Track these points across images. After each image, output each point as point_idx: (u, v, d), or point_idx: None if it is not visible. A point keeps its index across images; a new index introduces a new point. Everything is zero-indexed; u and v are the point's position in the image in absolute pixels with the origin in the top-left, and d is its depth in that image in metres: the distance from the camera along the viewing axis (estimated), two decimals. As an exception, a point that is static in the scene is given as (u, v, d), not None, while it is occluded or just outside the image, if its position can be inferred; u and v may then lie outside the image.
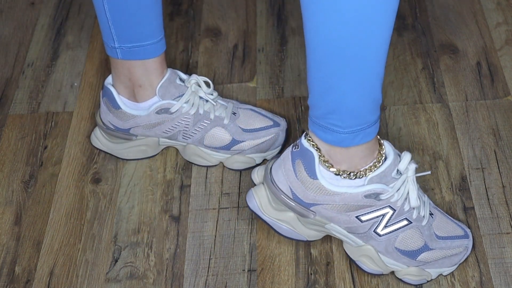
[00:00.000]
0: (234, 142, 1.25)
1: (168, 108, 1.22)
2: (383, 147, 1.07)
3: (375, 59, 0.96)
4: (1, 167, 1.32)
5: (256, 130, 1.26)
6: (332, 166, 1.05)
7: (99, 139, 1.30)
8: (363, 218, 1.07)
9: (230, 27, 1.54)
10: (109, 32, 1.18)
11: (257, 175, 1.17)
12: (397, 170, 1.05)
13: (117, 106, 1.23)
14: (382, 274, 1.13)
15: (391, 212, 1.07)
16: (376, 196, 1.05)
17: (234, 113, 1.27)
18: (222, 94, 1.41)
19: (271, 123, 1.27)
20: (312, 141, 1.05)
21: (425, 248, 1.10)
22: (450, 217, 1.15)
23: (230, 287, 1.15)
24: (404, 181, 1.07)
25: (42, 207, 1.26)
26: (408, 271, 1.11)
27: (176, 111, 1.22)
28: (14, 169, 1.32)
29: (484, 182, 1.25)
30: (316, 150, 1.05)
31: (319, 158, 1.05)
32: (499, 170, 1.26)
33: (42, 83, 1.45)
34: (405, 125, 1.34)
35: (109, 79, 1.25)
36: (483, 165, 1.27)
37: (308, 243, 1.18)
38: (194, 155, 1.28)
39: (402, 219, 1.08)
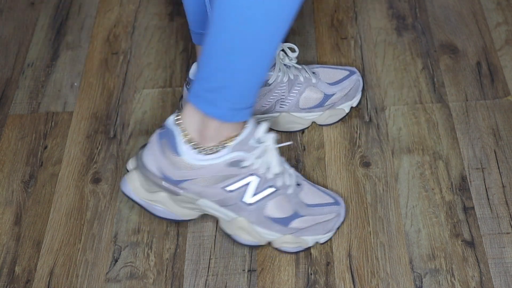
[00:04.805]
0: (326, 97, 1.30)
1: (266, 80, 1.26)
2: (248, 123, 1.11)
3: (275, 44, 1.00)
4: (1, 167, 1.32)
5: (339, 82, 1.32)
6: (196, 144, 1.08)
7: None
8: (229, 188, 1.11)
9: (230, 27, 1.54)
10: (205, 19, 1.18)
11: (131, 164, 1.18)
12: (256, 139, 1.10)
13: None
14: (259, 245, 1.17)
15: (256, 180, 1.11)
16: (238, 164, 1.09)
17: (313, 72, 1.32)
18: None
19: (347, 73, 1.34)
20: (179, 121, 1.08)
21: (296, 215, 1.15)
22: (320, 187, 1.21)
23: (230, 287, 1.15)
24: (265, 150, 1.11)
25: (42, 207, 1.26)
26: (283, 239, 1.16)
27: (273, 82, 1.26)
28: (14, 169, 1.32)
29: (484, 182, 1.25)
30: (181, 128, 1.08)
31: (182, 135, 1.08)
32: (499, 170, 1.26)
33: (42, 83, 1.45)
34: (405, 125, 1.34)
35: (192, 72, 1.25)
36: (483, 165, 1.27)
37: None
38: (289, 123, 1.32)
39: (268, 187, 1.13)
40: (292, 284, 1.15)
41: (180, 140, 1.08)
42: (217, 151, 1.08)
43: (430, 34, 1.49)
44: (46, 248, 1.21)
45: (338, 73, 1.34)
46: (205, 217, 1.23)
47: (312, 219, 1.16)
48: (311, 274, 1.16)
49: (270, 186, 1.13)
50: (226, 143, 1.08)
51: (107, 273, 1.18)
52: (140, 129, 1.36)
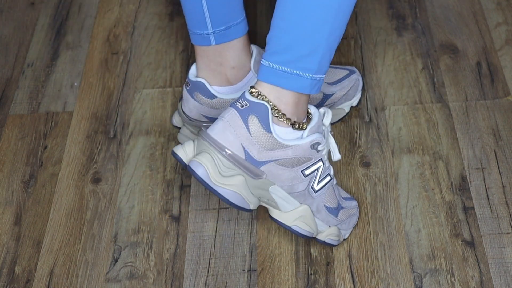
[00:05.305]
0: (326, 97, 1.30)
1: None
2: None
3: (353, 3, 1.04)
4: (1, 167, 1.32)
5: (339, 81, 1.32)
6: (284, 118, 1.06)
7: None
8: (306, 172, 1.10)
9: (230, 27, 1.54)
10: (202, 19, 1.19)
11: (185, 151, 1.10)
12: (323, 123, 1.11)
13: (212, 96, 1.24)
14: (313, 237, 1.15)
15: (322, 165, 1.11)
16: (316, 146, 1.08)
17: None
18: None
19: (346, 72, 1.34)
20: (259, 95, 1.05)
21: (340, 206, 1.16)
22: None
23: (230, 287, 1.15)
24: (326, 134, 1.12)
25: (42, 207, 1.26)
26: (330, 231, 1.15)
27: None
28: (14, 169, 1.32)
29: (484, 182, 1.25)
30: (267, 101, 1.05)
31: (272, 110, 1.05)
32: (499, 170, 1.26)
33: (42, 83, 1.45)
34: (405, 125, 1.34)
35: (192, 73, 1.26)
36: (483, 165, 1.27)
37: (308, 243, 1.18)
38: None
39: (327, 175, 1.13)
40: (292, 284, 1.15)
41: (271, 115, 1.04)
42: (303, 128, 1.07)
43: (430, 34, 1.49)
44: (46, 248, 1.21)
45: (338, 72, 1.34)
46: (205, 217, 1.23)
47: (348, 211, 1.17)
48: (311, 274, 1.16)
49: (328, 174, 1.13)
50: (303, 123, 1.07)
51: (107, 273, 1.18)
52: (140, 129, 1.36)
